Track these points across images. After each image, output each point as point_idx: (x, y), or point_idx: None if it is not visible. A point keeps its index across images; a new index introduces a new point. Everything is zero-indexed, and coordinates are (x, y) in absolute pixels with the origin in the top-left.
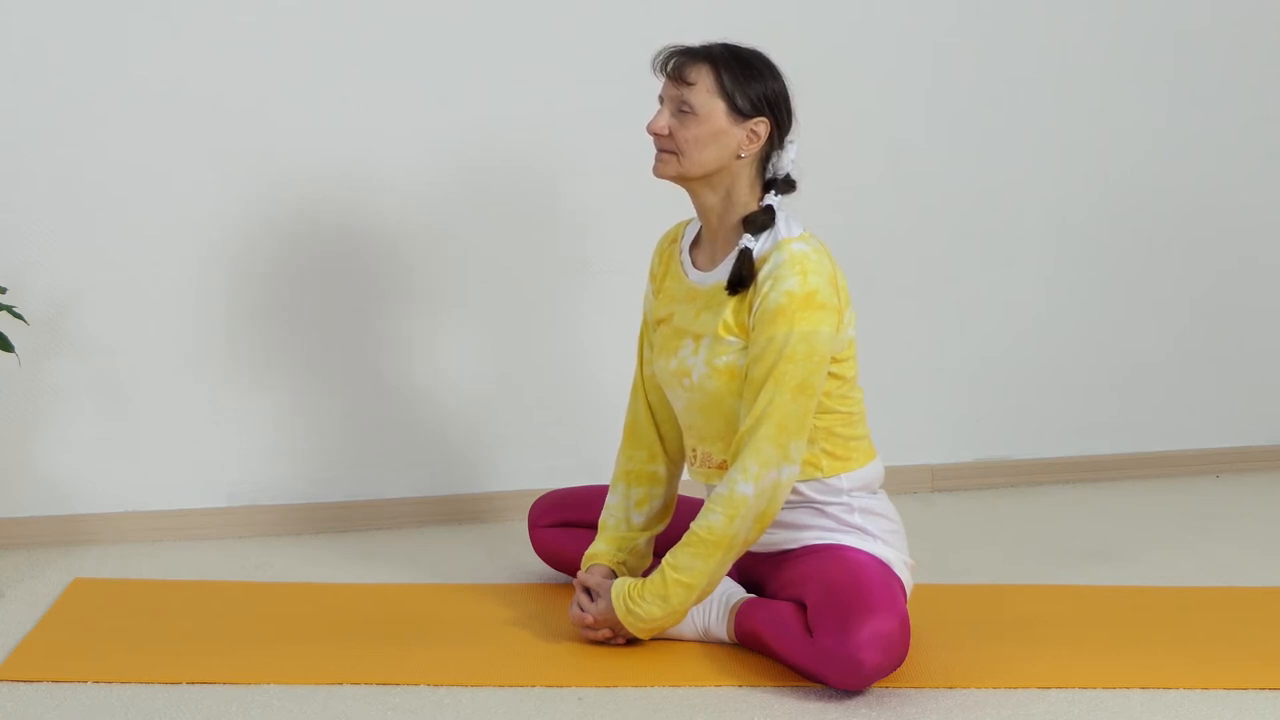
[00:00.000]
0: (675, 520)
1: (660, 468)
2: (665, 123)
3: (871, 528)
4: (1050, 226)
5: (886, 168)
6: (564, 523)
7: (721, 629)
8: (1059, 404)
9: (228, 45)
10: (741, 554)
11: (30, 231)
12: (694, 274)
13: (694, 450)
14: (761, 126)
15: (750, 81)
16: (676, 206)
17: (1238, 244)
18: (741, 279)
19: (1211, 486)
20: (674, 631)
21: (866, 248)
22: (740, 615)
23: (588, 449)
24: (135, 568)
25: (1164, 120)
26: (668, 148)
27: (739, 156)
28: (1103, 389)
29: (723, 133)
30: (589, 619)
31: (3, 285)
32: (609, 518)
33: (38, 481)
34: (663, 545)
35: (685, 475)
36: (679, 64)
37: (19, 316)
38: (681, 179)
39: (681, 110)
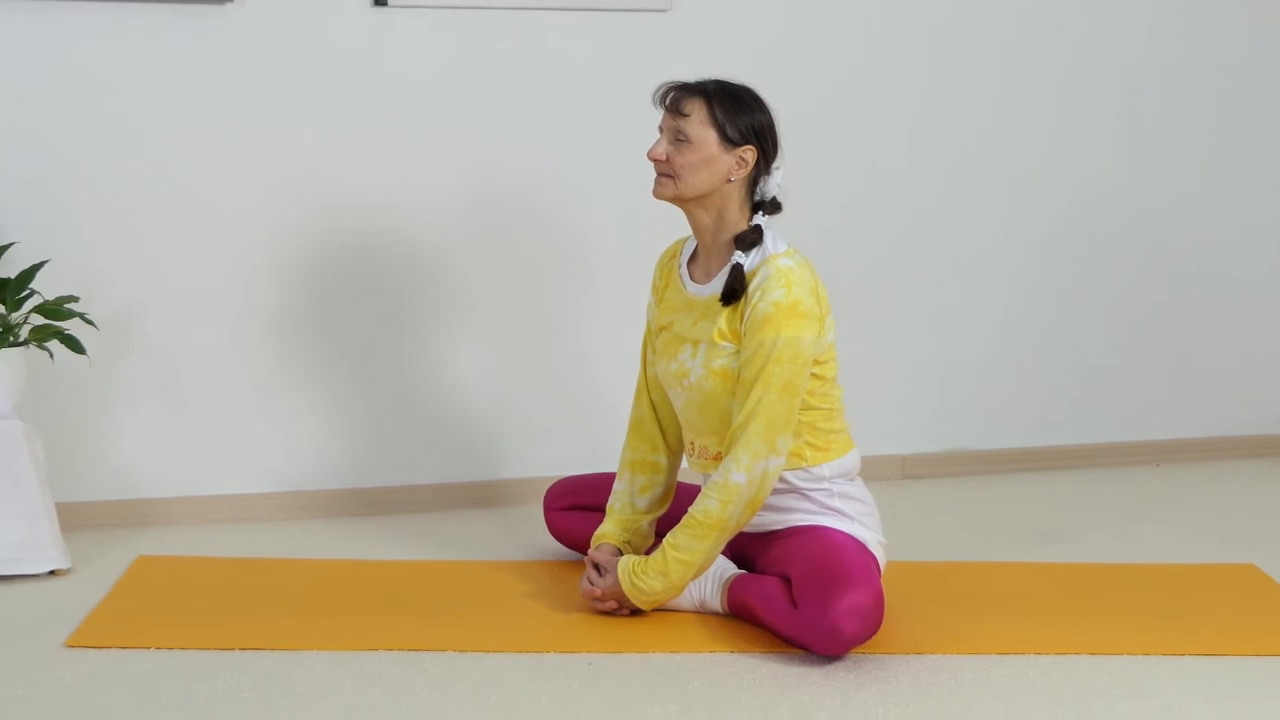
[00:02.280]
0: (675, 504)
1: (662, 458)
2: (663, 150)
3: (849, 511)
4: (1011, 243)
5: (867, 190)
6: (575, 506)
7: (716, 601)
8: (1018, 400)
9: (273, 86)
10: (734, 535)
11: (99, 247)
12: (691, 286)
13: (692, 443)
14: (749, 154)
15: (739, 114)
16: (674, 226)
17: (1177, 258)
18: (733, 291)
19: (1152, 474)
20: (673, 603)
21: (846, 261)
22: (732, 589)
23: (595, 440)
24: (192, 546)
25: (1111, 149)
26: (665, 172)
27: (729, 180)
28: (1057, 387)
29: (715, 159)
30: (598, 592)
31: (75, 294)
32: (616, 502)
33: (105, 469)
34: (663, 526)
35: (684, 465)
36: (676, 98)
37: (90, 322)
38: (678, 200)
39: (678, 139)
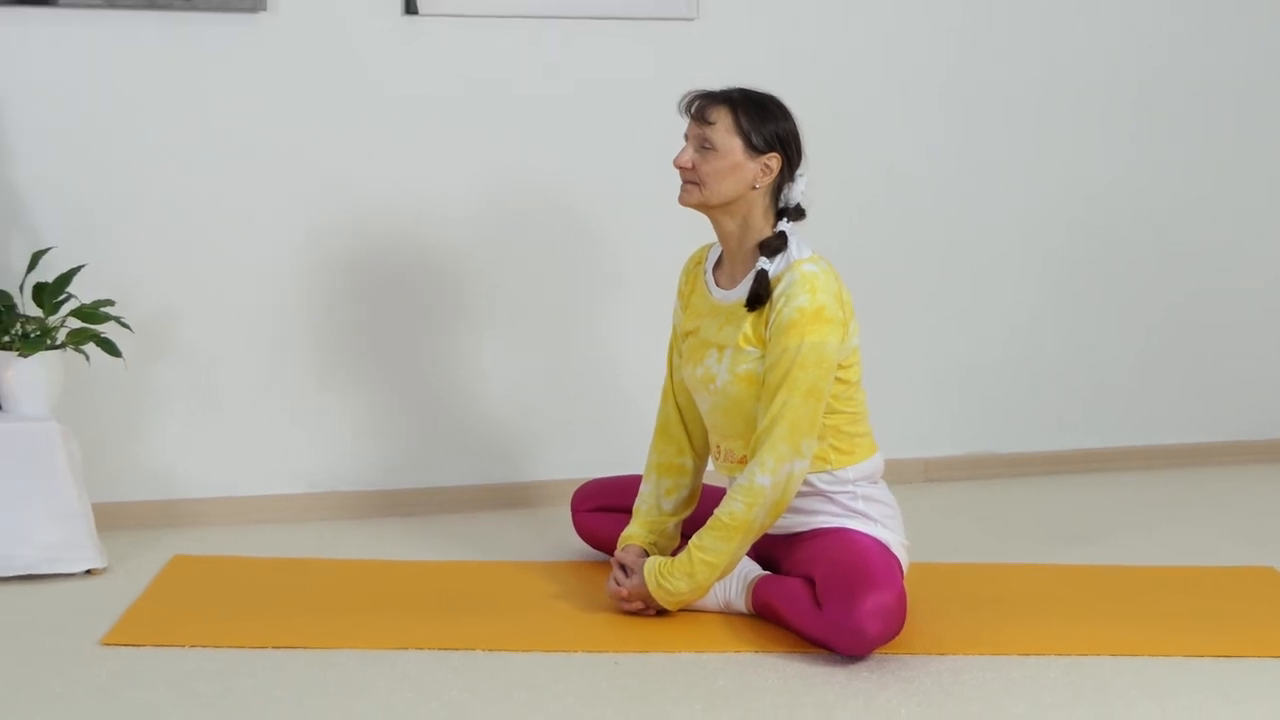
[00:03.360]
0: (700, 507)
1: (688, 461)
2: (689, 157)
3: (872, 513)
4: (1030, 250)
5: (888, 197)
6: (602, 508)
7: (741, 602)
8: (1038, 404)
9: (305, 94)
10: (759, 537)
11: (135, 253)
12: (717, 292)
13: (718, 446)
14: (774, 161)
15: (764, 122)
16: (699, 232)
17: (1194, 262)
18: (759, 297)
19: (1172, 477)
20: (699, 604)
21: (869, 267)
22: (757, 590)
23: (622, 443)
24: (227, 546)
25: (1127, 154)
26: (691, 179)
27: (754, 187)
28: (1076, 390)
29: (740, 166)
30: (624, 593)
31: (111, 298)
32: (642, 504)
33: (141, 470)
34: (689, 528)
35: (710, 468)
36: (701, 106)
37: (125, 325)
38: (703, 207)
39: (704, 147)
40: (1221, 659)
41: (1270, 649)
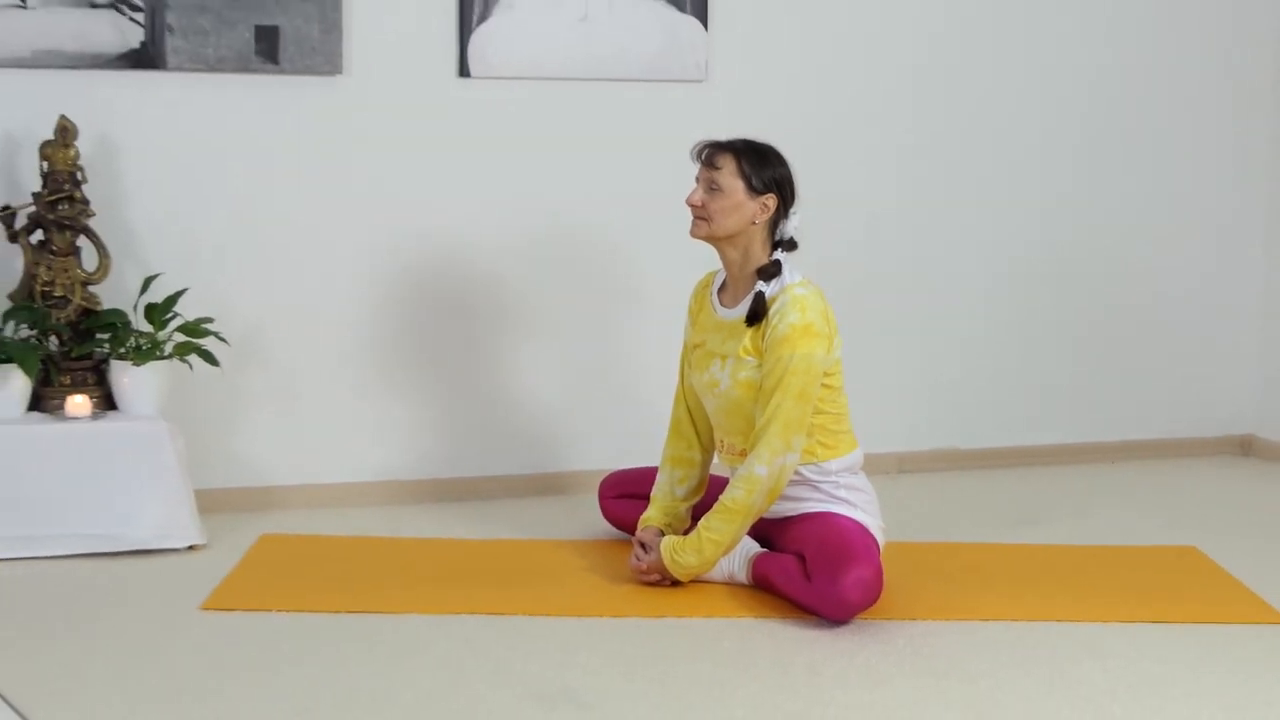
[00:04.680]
0: (707, 494)
1: (697, 454)
2: (699, 197)
3: (854, 500)
4: (987, 274)
5: (867, 229)
6: (624, 495)
7: (742, 575)
8: (995, 406)
9: (375, 143)
10: (757, 519)
11: (230, 278)
12: (721, 311)
13: (722, 441)
14: (771, 201)
15: (763, 167)
16: (707, 260)
17: (1125, 286)
18: (757, 315)
19: (1108, 470)
20: (707, 576)
21: (851, 288)
22: (756, 565)
23: (641, 439)
24: (306, 526)
25: (1067, 192)
26: (701, 215)
27: (754, 223)
28: (1027, 395)
29: (742, 205)
30: (644, 567)
31: (210, 316)
32: (658, 492)
33: (234, 461)
34: (698, 512)
35: (715, 460)
36: (710, 153)
37: (222, 339)
38: (710, 239)
39: (712, 188)
40: (1153, 624)
41: (1194, 615)
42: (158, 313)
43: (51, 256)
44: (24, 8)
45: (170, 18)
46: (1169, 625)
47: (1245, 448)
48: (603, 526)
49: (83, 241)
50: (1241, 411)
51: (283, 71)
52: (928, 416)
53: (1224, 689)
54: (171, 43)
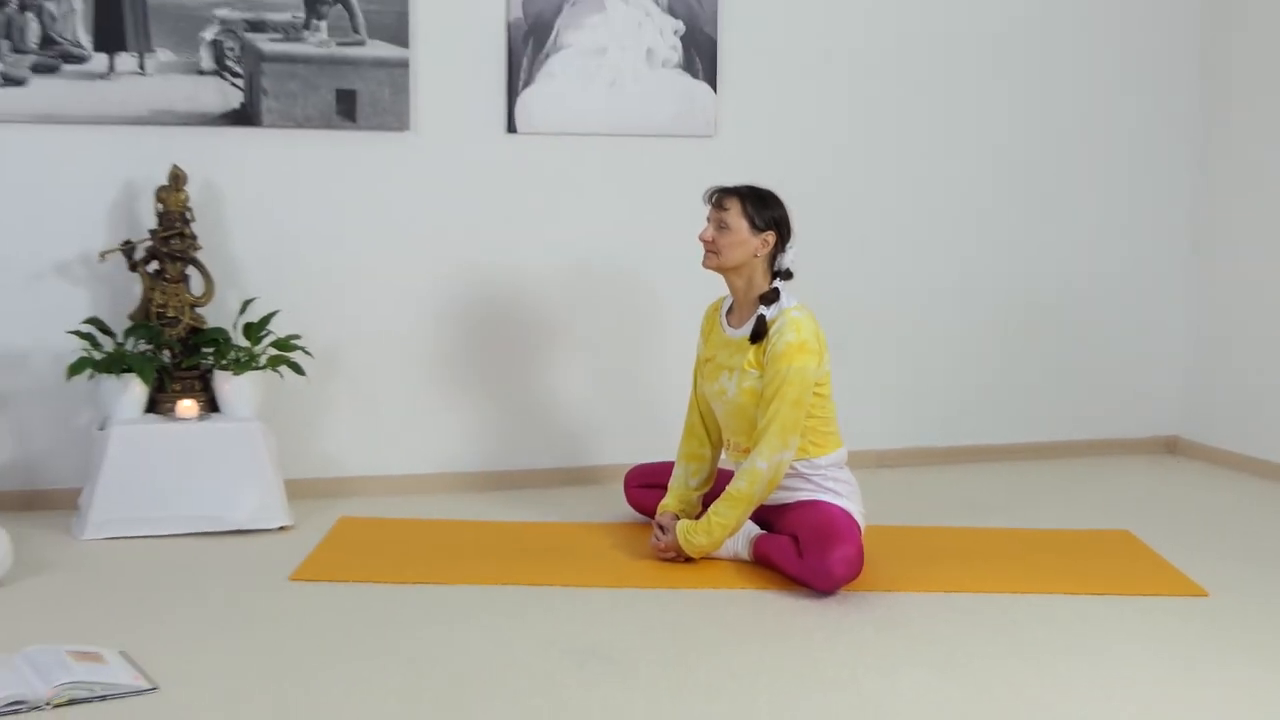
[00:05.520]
0: (716, 485)
1: (707, 451)
2: (710, 233)
3: (839, 490)
4: (959, 297)
5: (851, 264)
6: (646, 485)
7: (745, 553)
8: (962, 411)
9: (438, 189)
10: (758, 506)
11: (314, 302)
12: (729, 330)
13: (728, 440)
14: (771, 237)
15: (764, 209)
16: (716, 287)
17: (1074, 314)
18: (759, 334)
19: (1057, 465)
20: (715, 554)
21: (839, 312)
22: (757, 545)
23: (660, 438)
24: (378, 510)
25: (1022, 235)
26: (711, 249)
27: (756, 256)
28: (990, 402)
29: (746, 241)
30: (662, 545)
31: (298, 334)
32: (674, 482)
33: (317, 455)
34: (708, 500)
35: (723, 457)
36: (719, 196)
37: (308, 353)
38: (719, 269)
39: (720, 226)
40: (1093, 595)
41: (1127, 588)
42: (254, 331)
43: (165, 283)
44: (143, 74)
45: (265, 82)
46: (1107, 596)
47: (1171, 447)
48: (627, 511)
49: (191, 270)
50: (1168, 416)
51: (359, 128)
52: (902, 420)
53: (1152, 649)
54: (266, 104)
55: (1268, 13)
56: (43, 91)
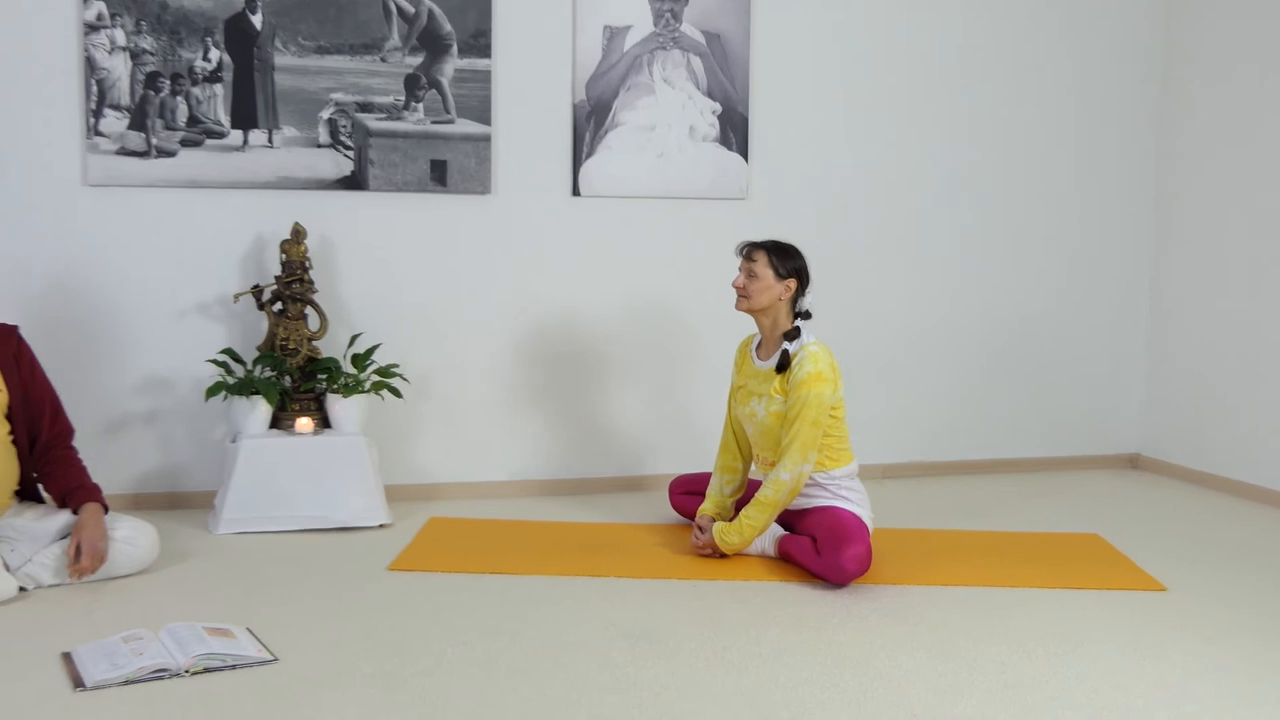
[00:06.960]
0: (746, 492)
1: (739, 464)
2: (741, 281)
3: (851, 497)
4: (955, 332)
5: (862, 306)
6: (687, 492)
7: (771, 551)
8: (956, 431)
9: (513, 243)
10: (782, 511)
11: (410, 336)
12: (758, 362)
13: (757, 455)
14: (793, 283)
15: (787, 260)
16: (746, 326)
17: (1053, 346)
18: (783, 365)
19: (1036, 478)
20: (746, 551)
21: (852, 346)
22: (781, 543)
23: (700, 453)
24: (463, 511)
25: (1011, 280)
26: (742, 294)
27: (780, 299)
28: (980, 423)
29: (772, 287)
30: (700, 543)
31: (397, 363)
32: (711, 490)
33: (411, 464)
34: (740, 505)
35: (753, 469)
36: (748, 250)
37: (405, 379)
38: (749, 311)
39: (750, 275)
40: (1066, 589)
41: (1096, 583)
42: (360, 360)
43: (287, 320)
44: (271, 147)
45: (372, 154)
46: (1079, 590)
47: (1134, 463)
48: (671, 514)
49: (309, 310)
50: (1131, 435)
51: (449, 191)
52: (908, 437)
53: (1118, 636)
54: (372, 171)
55: (1218, 56)
56: (189, 161)
